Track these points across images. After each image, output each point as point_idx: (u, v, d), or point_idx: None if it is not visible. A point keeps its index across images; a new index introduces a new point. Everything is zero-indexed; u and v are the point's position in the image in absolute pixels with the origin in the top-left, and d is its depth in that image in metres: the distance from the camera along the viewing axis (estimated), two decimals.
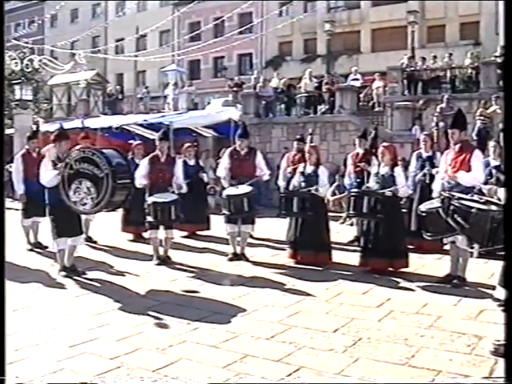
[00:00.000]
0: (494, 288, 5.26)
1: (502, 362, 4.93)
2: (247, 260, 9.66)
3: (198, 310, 6.70)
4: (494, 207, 5.14)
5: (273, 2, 36.82)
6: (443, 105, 17.91)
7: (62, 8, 31.06)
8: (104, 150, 8.11)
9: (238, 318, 6.42)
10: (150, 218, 9.18)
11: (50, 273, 8.71)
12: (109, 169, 7.61)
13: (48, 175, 8.16)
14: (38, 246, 10.68)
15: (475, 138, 16.10)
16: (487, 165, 9.53)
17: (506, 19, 3.81)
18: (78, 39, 28.48)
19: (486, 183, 8.29)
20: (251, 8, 35.88)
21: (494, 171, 9.68)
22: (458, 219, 5.46)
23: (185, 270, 9.02)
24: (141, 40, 39.98)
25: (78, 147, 8.76)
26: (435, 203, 6.55)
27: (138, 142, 13.62)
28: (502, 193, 5.02)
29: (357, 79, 23.53)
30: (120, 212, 11.61)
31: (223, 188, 10.08)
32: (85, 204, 7.83)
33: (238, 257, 9.71)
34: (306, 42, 40.76)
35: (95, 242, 11.31)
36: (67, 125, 15.65)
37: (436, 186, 8.06)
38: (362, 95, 22.55)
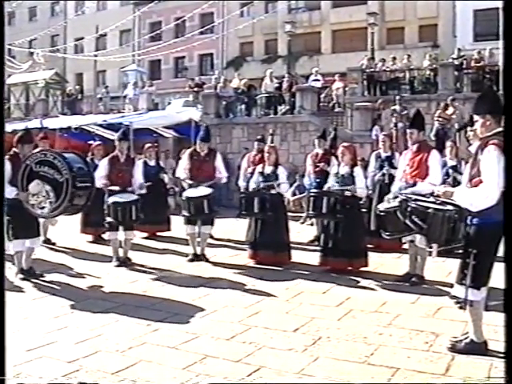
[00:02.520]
0: (451, 286, 5.33)
1: (459, 358, 5.04)
2: (207, 261, 9.64)
3: (158, 312, 6.66)
4: (449, 207, 5.21)
5: (234, 2, 36.77)
6: (397, 106, 18.14)
7: (19, 6, 30.59)
8: (66, 154, 7.96)
9: (197, 318, 6.40)
10: (109, 219, 9.11)
11: (7, 276, 8.54)
12: (69, 174, 7.50)
13: (8, 191, 8.00)
14: None
15: (433, 138, 16.33)
16: (444, 165, 9.68)
17: (506, 19, 3.86)
18: (37, 38, 28.07)
19: (443, 183, 8.44)
20: (212, 8, 35.82)
21: (450, 171, 9.86)
22: (416, 220, 5.53)
23: (145, 272, 8.96)
24: (101, 39, 39.67)
25: (38, 149, 8.60)
26: (393, 203, 6.61)
27: (98, 142, 13.49)
28: (457, 195, 5.11)
29: (318, 80, 23.66)
30: (79, 213, 11.49)
31: (183, 189, 10.04)
32: (43, 208, 7.72)
33: (198, 257, 9.68)
34: (267, 43, 40.83)
35: (54, 244, 11.16)
36: (25, 125, 15.42)
37: (394, 187, 8.15)
38: (322, 96, 22.71)
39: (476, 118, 5.17)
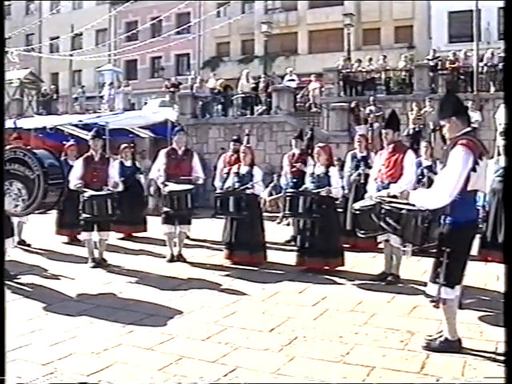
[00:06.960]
0: (426, 285, 5.37)
1: (434, 356, 5.07)
2: (184, 261, 9.61)
3: (134, 313, 6.62)
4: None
5: (210, 2, 36.64)
6: (372, 107, 18.23)
7: None
8: (36, 151, 7.91)
9: (173, 319, 6.37)
10: (85, 215, 9.02)
11: None
12: (40, 170, 7.42)
13: None
14: None
15: (408, 138, 16.42)
16: (419, 165, 9.75)
17: (506, 19, 3.89)
18: (11, 37, 27.71)
19: (418, 183, 8.52)
20: (189, 8, 35.68)
21: (425, 171, 9.93)
22: (390, 222, 5.56)
23: (120, 273, 8.91)
24: (76, 39, 39.26)
25: (8, 147, 8.51)
26: (368, 201, 6.65)
27: (71, 142, 13.37)
28: (412, 195, 5.17)
29: (293, 80, 23.67)
30: (54, 214, 11.41)
31: (158, 189, 9.97)
32: (16, 206, 7.63)
33: (175, 258, 9.65)
34: (244, 43, 40.74)
35: (29, 245, 11.03)
36: None
37: (370, 187, 8.20)
38: (298, 96, 22.76)
39: (442, 123, 5.22)
